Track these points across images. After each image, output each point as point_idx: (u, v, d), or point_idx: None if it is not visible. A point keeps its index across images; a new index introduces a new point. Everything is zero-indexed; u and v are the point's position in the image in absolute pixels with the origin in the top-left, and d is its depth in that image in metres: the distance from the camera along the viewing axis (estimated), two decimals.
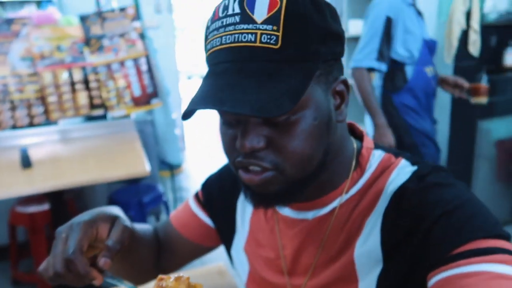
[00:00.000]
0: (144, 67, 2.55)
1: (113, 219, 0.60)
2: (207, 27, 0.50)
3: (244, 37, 0.45)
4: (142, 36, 2.55)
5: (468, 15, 2.35)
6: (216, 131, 5.96)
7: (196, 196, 0.79)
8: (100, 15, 2.48)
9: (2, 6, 3.08)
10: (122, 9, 2.52)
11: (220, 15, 0.48)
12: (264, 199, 0.53)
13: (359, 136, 0.63)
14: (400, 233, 0.50)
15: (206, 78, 0.49)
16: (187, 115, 0.47)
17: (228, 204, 0.75)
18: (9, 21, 2.37)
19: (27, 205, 2.28)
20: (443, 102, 2.53)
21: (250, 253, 0.71)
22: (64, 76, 2.44)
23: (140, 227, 0.75)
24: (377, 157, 0.59)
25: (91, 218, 0.57)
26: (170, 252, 0.79)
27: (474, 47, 2.41)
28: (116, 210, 0.65)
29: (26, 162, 1.84)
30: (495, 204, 2.73)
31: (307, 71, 0.47)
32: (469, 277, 0.42)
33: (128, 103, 2.54)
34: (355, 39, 2.83)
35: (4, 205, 2.42)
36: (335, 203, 0.58)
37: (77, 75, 2.47)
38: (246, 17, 0.45)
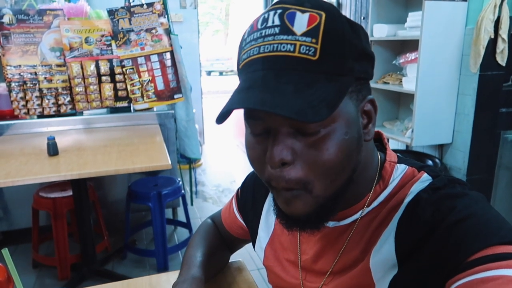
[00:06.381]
0: (168, 62, 2.60)
1: None
2: (243, 39, 0.51)
3: (283, 47, 0.46)
4: (168, 31, 2.59)
5: (496, 23, 2.31)
6: (233, 128, 5.99)
7: (237, 195, 0.86)
8: (129, 10, 2.53)
9: None
10: (150, 4, 2.56)
11: (259, 27, 0.49)
12: (296, 222, 0.54)
13: (382, 147, 0.64)
14: (414, 241, 0.51)
15: (244, 82, 0.49)
16: (224, 116, 0.47)
17: (257, 206, 0.79)
18: (42, 12, 2.44)
19: (50, 191, 2.35)
20: (466, 111, 2.50)
21: (270, 253, 0.74)
22: (91, 67, 2.51)
23: (211, 246, 0.87)
24: (400, 171, 0.59)
25: None
26: (230, 241, 0.94)
27: (502, 56, 2.38)
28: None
29: (53, 150, 1.90)
30: None
31: (342, 84, 0.48)
32: (486, 282, 0.42)
33: (152, 97, 2.59)
34: (379, 42, 2.84)
35: (28, 190, 2.50)
36: (356, 216, 0.59)
37: (104, 67, 2.53)
38: (285, 29, 0.46)
